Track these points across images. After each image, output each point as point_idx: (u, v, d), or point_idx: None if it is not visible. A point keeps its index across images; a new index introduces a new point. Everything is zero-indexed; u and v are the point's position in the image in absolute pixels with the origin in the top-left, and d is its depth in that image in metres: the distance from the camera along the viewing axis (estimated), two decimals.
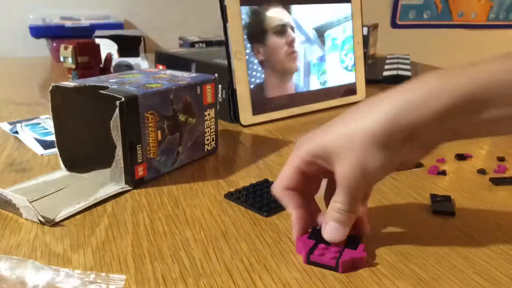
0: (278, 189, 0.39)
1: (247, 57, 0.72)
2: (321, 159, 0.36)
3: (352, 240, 0.37)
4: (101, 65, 0.93)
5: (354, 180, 0.34)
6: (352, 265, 0.35)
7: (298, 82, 0.79)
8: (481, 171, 0.53)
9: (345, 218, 0.36)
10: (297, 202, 0.38)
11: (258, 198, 0.46)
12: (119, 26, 1.32)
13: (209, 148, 0.58)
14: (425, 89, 0.33)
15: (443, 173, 0.53)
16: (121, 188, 0.48)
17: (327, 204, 0.39)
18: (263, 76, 0.74)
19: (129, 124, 0.46)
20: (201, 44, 1.26)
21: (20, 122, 0.69)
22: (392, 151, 0.34)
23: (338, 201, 0.36)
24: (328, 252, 0.36)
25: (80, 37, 1.13)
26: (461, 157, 0.58)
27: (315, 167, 0.37)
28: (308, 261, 0.36)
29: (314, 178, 0.39)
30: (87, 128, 0.53)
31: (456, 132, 0.34)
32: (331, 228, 0.36)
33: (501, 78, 0.32)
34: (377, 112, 0.34)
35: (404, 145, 0.34)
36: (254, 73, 0.73)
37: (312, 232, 0.39)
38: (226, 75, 0.71)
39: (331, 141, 0.35)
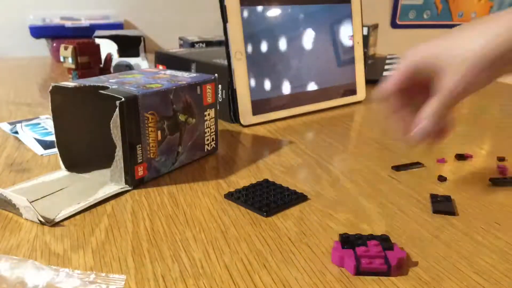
0: (384, 90, 0.44)
1: (247, 57, 0.72)
2: (431, 66, 0.40)
3: (384, 241, 0.37)
4: (101, 65, 0.93)
5: (457, 92, 0.39)
6: (399, 266, 0.35)
7: (298, 82, 0.79)
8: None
9: (437, 118, 0.41)
10: (396, 106, 0.44)
11: (258, 198, 0.46)
12: (119, 26, 1.32)
13: (209, 148, 0.58)
14: None
15: (444, 179, 0.52)
16: (121, 188, 0.48)
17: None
18: (263, 76, 0.74)
19: (129, 124, 0.46)
20: (201, 44, 1.26)
21: (20, 122, 0.69)
22: (498, 72, 0.38)
23: (436, 102, 0.40)
24: (373, 258, 0.35)
25: (80, 37, 1.13)
26: (461, 157, 0.58)
27: (421, 75, 0.41)
28: (358, 272, 0.35)
29: (417, 86, 0.43)
30: (87, 128, 0.53)
31: None
32: (423, 125, 0.41)
33: None
34: (489, 34, 0.37)
35: (508, 66, 0.38)
36: (254, 73, 0.73)
37: (345, 241, 0.37)
38: (226, 75, 0.71)
39: (445, 53, 0.39)
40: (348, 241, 0.37)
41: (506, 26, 0.36)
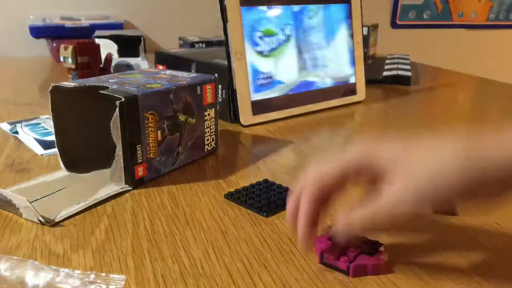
0: (310, 175, 0.36)
1: (247, 57, 0.71)
2: (377, 168, 0.33)
3: (372, 245, 0.37)
4: (101, 65, 0.93)
5: (396, 209, 0.32)
6: (364, 271, 0.35)
7: (298, 82, 0.79)
8: None
9: (357, 231, 0.34)
10: (313, 215, 0.35)
11: (258, 198, 0.46)
12: (119, 26, 1.32)
13: (209, 148, 0.58)
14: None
15: None
16: (121, 188, 0.48)
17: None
18: (263, 76, 0.74)
19: (129, 124, 0.46)
20: (201, 44, 1.26)
21: (20, 122, 0.69)
22: (459, 198, 0.32)
23: (361, 211, 0.33)
24: (341, 255, 0.35)
25: (80, 37, 1.12)
26: None
27: (362, 174, 0.35)
28: (322, 261, 0.36)
29: (347, 181, 0.36)
30: (87, 128, 0.53)
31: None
32: (340, 232, 0.34)
33: None
34: (439, 160, 0.31)
35: (474, 193, 0.31)
36: (254, 73, 0.73)
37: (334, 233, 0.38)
38: (226, 75, 0.71)
39: (397, 158, 0.33)
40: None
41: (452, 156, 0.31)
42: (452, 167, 0.31)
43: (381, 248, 0.37)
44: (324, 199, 0.36)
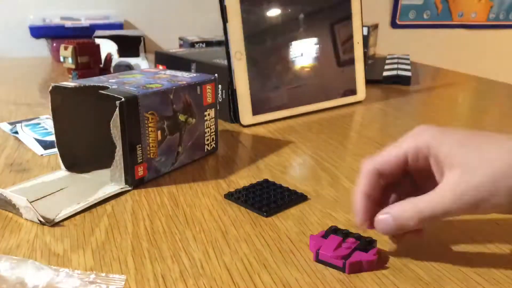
0: (368, 165, 0.35)
1: (247, 57, 0.71)
2: (436, 158, 0.32)
3: (366, 242, 0.37)
4: (101, 65, 0.93)
5: (462, 202, 0.31)
6: (359, 267, 0.35)
7: (298, 82, 0.79)
8: None
9: (413, 225, 0.33)
10: (370, 189, 0.35)
11: (258, 198, 0.46)
12: (119, 26, 1.32)
13: (209, 148, 0.58)
14: None
15: None
16: (121, 188, 0.48)
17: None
18: (263, 76, 0.74)
19: (129, 124, 0.46)
20: (201, 44, 1.26)
21: (20, 122, 0.69)
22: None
23: (426, 205, 0.32)
24: (337, 252, 0.35)
25: (80, 37, 1.13)
26: None
27: (422, 162, 0.33)
28: (317, 259, 0.36)
29: (408, 171, 0.35)
30: (87, 128, 0.53)
31: None
32: (391, 222, 0.33)
33: None
34: None
35: None
36: (254, 73, 0.73)
37: (328, 231, 0.38)
38: (226, 75, 0.71)
39: (465, 150, 0.31)
40: (331, 233, 0.38)
41: None
42: None
43: (375, 244, 0.37)
44: (381, 186, 0.36)
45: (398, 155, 0.34)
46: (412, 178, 0.37)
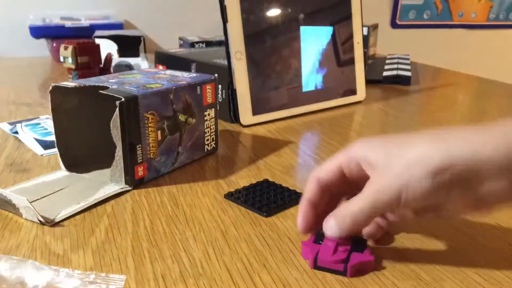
0: (310, 177, 0.38)
1: (247, 57, 0.72)
2: (368, 163, 0.35)
3: (358, 242, 0.37)
4: (101, 65, 0.93)
5: (385, 195, 0.33)
6: (360, 269, 0.35)
7: (298, 82, 0.79)
8: None
9: (349, 225, 0.34)
10: (312, 197, 0.37)
11: (258, 198, 0.46)
12: (119, 26, 1.32)
13: (209, 148, 0.58)
14: (501, 131, 0.31)
15: None
16: (121, 188, 0.48)
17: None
18: (263, 76, 0.74)
19: (129, 124, 0.46)
20: (201, 44, 1.26)
21: (20, 122, 0.69)
22: (438, 189, 0.32)
23: (355, 204, 0.34)
24: (336, 256, 0.35)
25: (80, 37, 1.13)
26: None
27: (356, 170, 0.36)
28: (316, 266, 0.35)
29: (348, 181, 0.37)
30: (87, 128, 0.53)
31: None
32: (333, 225, 0.35)
33: None
34: (444, 142, 0.32)
35: (454, 188, 0.32)
36: (254, 73, 0.73)
37: (317, 236, 0.38)
38: (226, 75, 0.71)
39: (388, 151, 0.34)
40: (321, 237, 0.37)
41: (465, 139, 0.31)
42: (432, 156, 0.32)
43: (366, 243, 0.37)
44: (328, 195, 0.38)
45: (333, 168, 0.37)
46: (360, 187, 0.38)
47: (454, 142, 0.32)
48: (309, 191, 0.38)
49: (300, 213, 0.38)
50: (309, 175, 0.38)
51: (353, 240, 0.37)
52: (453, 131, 0.33)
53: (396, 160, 0.33)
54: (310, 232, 0.38)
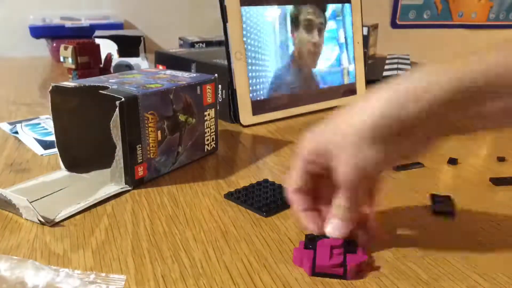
0: (289, 193, 0.39)
1: (247, 57, 0.71)
2: (322, 157, 0.36)
3: (349, 244, 0.37)
4: (101, 65, 0.93)
5: (350, 176, 0.35)
6: (357, 270, 0.35)
7: (298, 82, 0.79)
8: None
9: (347, 214, 0.37)
10: (304, 205, 0.39)
11: (258, 198, 0.46)
12: (119, 26, 1.32)
13: (209, 148, 0.58)
14: (416, 83, 0.33)
15: (454, 162, 0.51)
16: (121, 188, 0.48)
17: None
18: (263, 76, 0.74)
19: (129, 124, 0.46)
20: (201, 44, 1.26)
21: (20, 122, 0.69)
22: (383, 146, 0.34)
23: (340, 198, 0.36)
24: (332, 260, 0.35)
25: (80, 37, 1.13)
26: (453, 161, 0.57)
27: (318, 166, 0.37)
28: (314, 273, 0.35)
29: (323, 177, 0.38)
30: (87, 128, 0.53)
31: (452, 126, 0.34)
32: (334, 224, 0.37)
33: (502, 66, 0.31)
34: (366, 109, 0.34)
35: (397, 140, 0.34)
36: (254, 73, 0.73)
37: (308, 240, 0.37)
38: (226, 75, 0.71)
39: (328, 139, 0.36)
40: (312, 242, 0.37)
41: (383, 99, 0.33)
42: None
43: (356, 243, 0.37)
44: (318, 191, 0.39)
45: (301, 176, 0.38)
46: None
47: (376, 105, 0.34)
48: (297, 203, 0.39)
49: (306, 222, 0.39)
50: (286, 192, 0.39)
51: (345, 242, 0.37)
52: (371, 96, 0.35)
53: (338, 142, 0.35)
54: (322, 230, 0.38)
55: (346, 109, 0.36)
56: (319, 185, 0.39)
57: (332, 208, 0.37)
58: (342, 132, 0.35)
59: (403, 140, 0.34)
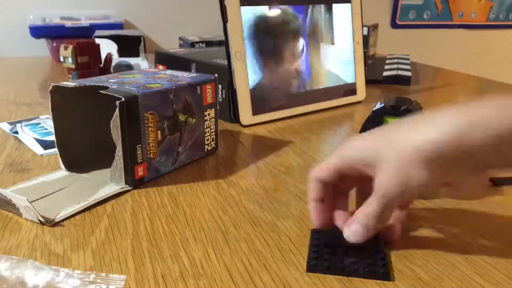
0: (311, 177, 0.39)
1: (247, 57, 0.71)
2: (363, 164, 0.36)
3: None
4: (101, 65, 0.93)
5: (392, 192, 0.34)
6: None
7: (298, 82, 0.79)
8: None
9: (372, 224, 0.35)
10: (318, 195, 0.38)
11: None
12: (119, 26, 1.32)
13: (209, 148, 0.58)
14: (488, 112, 0.31)
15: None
16: (121, 188, 0.48)
17: (357, 204, 0.40)
18: (263, 76, 0.74)
19: (129, 124, 0.46)
20: (201, 44, 1.26)
21: (20, 122, 0.69)
22: (438, 171, 0.33)
23: (370, 207, 0.35)
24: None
25: (80, 37, 1.13)
26: None
27: (355, 171, 0.37)
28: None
29: (351, 178, 0.38)
30: (87, 128, 0.53)
31: (510, 160, 0.32)
32: (356, 229, 0.36)
33: None
34: (431, 131, 0.32)
35: (452, 167, 0.33)
36: (254, 73, 0.73)
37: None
38: (226, 75, 0.71)
39: (379, 148, 0.35)
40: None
41: (454, 123, 0.32)
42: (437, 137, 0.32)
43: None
44: (332, 191, 0.39)
45: (331, 171, 0.38)
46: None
47: (440, 127, 0.32)
48: (313, 191, 0.39)
49: (312, 214, 0.39)
50: (309, 175, 0.39)
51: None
52: (437, 115, 0.34)
53: (389, 156, 0.34)
54: (329, 225, 0.39)
55: (407, 122, 0.35)
56: (345, 183, 0.39)
57: (357, 212, 0.36)
58: (398, 147, 0.34)
59: (459, 166, 0.33)
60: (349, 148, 0.37)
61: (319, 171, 0.38)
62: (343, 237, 0.37)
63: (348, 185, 0.40)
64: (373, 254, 0.36)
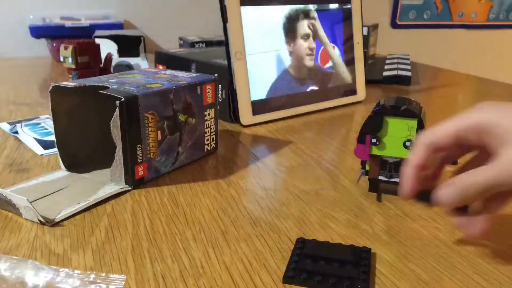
0: (422, 141, 0.36)
1: (247, 57, 0.71)
2: (492, 132, 0.32)
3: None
4: (101, 65, 0.93)
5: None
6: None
7: (298, 82, 0.79)
8: None
9: (472, 194, 0.33)
10: (422, 161, 0.36)
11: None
12: (119, 26, 1.32)
13: (209, 148, 0.58)
14: None
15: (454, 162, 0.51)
16: (121, 188, 0.48)
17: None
18: (263, 76, 0.74)
19: (129, 124, 0.46)
20: (201, 44, 1.26)
21: (20, 122, 0.69)
22: None
23: (481, 175, 0.32)
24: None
25: (80, 37, 1.13)
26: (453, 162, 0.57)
27: (473, 137, 0.34)
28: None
29: (461, 147, 0.36)
30: (87, 128, 0.53)
31: None
32: (449, 192, 0.34)
33: None
34: None
35: None
36: (254, 73, 0.72)
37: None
38: (226, 75, 0.71)
39: (507, 119, 0.32)
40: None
41: None
42: None
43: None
44: (434, 160, 0.37)
45: (448, 134, 0.35)
46: (477, 150, 0.37)
47: None
48: (417, 155, 0.36)
49: (406, 179, 0.36)
50: (420, 136, 0.36)
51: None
52: None
53: None
54: (414, 196, 0.37)
55: None
56: (453, 151, 0.37)
57: (464, 175, 0.33)
58: None
59: None
60: (481, 110, 0.34)
61: (433, 136, 0.35)
62: (327, 248, 0.36)
63: (454, 155, 0.37)
64: (356, 268, 0.34)
